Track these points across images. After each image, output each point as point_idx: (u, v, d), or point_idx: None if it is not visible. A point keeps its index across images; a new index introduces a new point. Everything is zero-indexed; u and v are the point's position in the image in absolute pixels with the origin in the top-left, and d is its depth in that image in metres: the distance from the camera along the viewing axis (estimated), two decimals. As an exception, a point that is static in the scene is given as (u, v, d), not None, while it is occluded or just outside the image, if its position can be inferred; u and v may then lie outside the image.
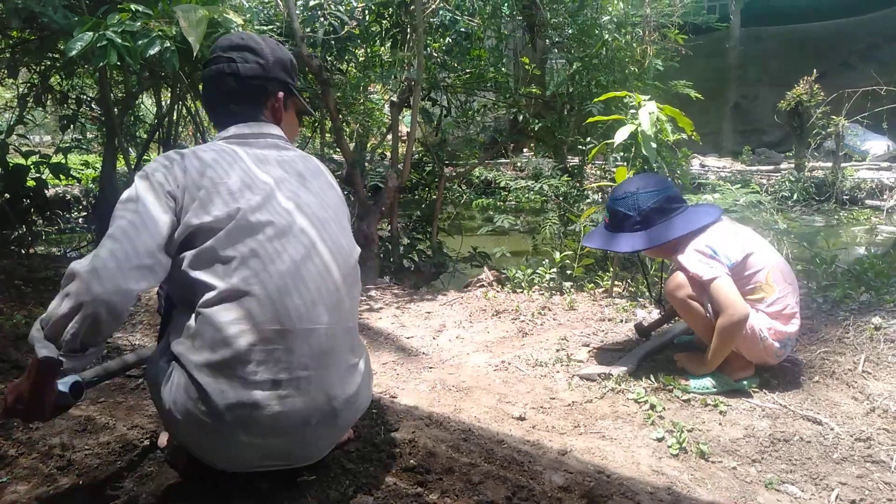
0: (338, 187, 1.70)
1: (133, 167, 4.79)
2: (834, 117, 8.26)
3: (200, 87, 1.73)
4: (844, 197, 8.57)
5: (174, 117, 5.22)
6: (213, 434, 1.40)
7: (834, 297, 3.10)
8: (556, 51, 5.43)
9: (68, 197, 7.77)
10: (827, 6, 12.19)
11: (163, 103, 5.35)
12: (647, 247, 2.33)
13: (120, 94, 5.14)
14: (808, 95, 9.06)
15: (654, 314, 3.05)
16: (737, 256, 2.23)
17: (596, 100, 3.90)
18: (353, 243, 1.62)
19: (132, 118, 5.78)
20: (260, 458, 1.46)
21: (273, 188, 1.50)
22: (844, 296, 3.07)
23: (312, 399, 1.44)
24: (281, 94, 1.67)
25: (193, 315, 1.41)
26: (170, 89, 4.85)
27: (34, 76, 4.52)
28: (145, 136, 5.68)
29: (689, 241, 2.27)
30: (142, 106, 6.49)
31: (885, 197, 8.40)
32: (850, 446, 1.91)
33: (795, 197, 8.40)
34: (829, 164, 9.19)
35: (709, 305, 2.21)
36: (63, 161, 4.60)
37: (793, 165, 9.87)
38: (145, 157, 5.72)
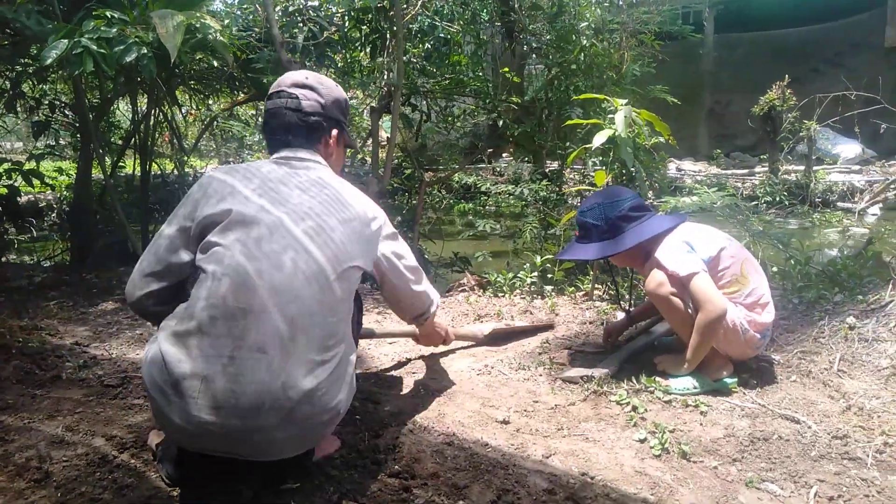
0: (370, 215, 1.78)
1: (108, 174, 4.71)
2: (806, 122, 8.43)
3: (262, 119, 1.94)
4: (817, 200, 8.73)
5: (151, 123, 5.15)
6: (172, 407, 1.45)
7: (809, 297, 3.16)
8: (534, 56, 5.47)
9: (41, 204, 7.63)
10: (797, 14, 12.44)
11: (139, 109, 5.28)
12: (617, 251, 2.37)
13: (95, 100, 5.07)
14: (781, 100, 9.24)
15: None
16: (712, 251, 2.30)
17: (574, 97, 3.94)
18: (355, 257, 1.67)
19: (107, 124, 5.69)
20: (216, 438, 1.47)
21: (284, 197, 1.63)
22: (819, 296, 3.13)
23: (266, 383, 1.45)
24: (335, 131, 1.86)
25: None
26: (146, 95, 4.79)
27: (5, 81, 4.45)
28: (120, 142, 5.59)
29: (663, 241, 2.33)
30: (117, 111, 6.40)
31: (856, 199, 8.58)
32: (828, 444, 1.94)
33: (770, 200, 8.55)
34: (802, 168, 9.37)
35: (689, 302, 2.25)
36: (36, 168, 4.52)
37: (766, 169, 10.04)
38: (120, 164, 5.64)
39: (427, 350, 2.75)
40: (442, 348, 2.70)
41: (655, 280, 2.28)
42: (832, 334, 2.68)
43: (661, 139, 3.24)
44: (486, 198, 7.31)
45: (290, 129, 1.79)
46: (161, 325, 1.56)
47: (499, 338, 2.91)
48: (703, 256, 2.28)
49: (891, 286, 2.79)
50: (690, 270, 2.22)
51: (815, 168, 9.23)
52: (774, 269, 3.69)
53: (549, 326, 3.10)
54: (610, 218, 2.39)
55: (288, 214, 1.59)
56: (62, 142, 6.31)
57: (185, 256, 1.62)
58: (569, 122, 3.50)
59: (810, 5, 12.29)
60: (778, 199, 8.47)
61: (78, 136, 4.90)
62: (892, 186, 7.69)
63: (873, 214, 8.12)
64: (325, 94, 1.82)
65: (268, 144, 1.86)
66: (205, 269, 1.52)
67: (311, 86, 1.82)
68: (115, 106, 5.83)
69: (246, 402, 1.44)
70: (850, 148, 10.93)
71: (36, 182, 4.41)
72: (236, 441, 1.48)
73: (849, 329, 2.65)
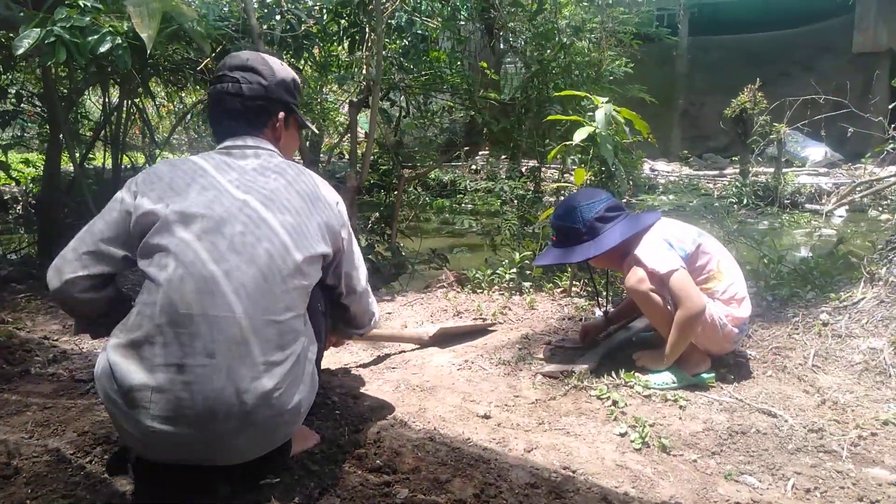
0: (324, 199, 1.68)
1: (79, 165, 4.59)
2: (776, 124, 8.58)
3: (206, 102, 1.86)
4: (786, 201, 8.89)
5: (122, 115, 5.04)
6: (126, 417, 1.41)
7: (782, 295, 3.21)
8: (512, 54, 5.48)
9: (6, 197, 7.42)
10: (768, 19, 12.67)
11: (110, 100, 5.16)
12: (600, 252, 2.36)
13: (64, 90, 4.94)
14: (752, 103, 9.39)
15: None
16: (690, 247, 2.33)
17: (556, 94, 3.94)
18: (306, 248, 1.56)
19: (77, 115, 5.55)
20: (174, 447, 1.43)
21: (225, 190, 1.54)
22: (792, 294, 3.19)
23: (218, 390, 1.39)
24: (282, 114, 1.76)
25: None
26: (118, 86, 4.69)
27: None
28: (90, 133, 5.45)
29: (641, 239, 2.34)
30: (87, 102, 6.25)
31: (823, 201, 8.76)
32: (804, 437, 1.97)
33: (737, 201, 8.69)
34: (772, 170, 9.54)
35: (669, 298, 2.27)
36: (3, 158, 4.39)
37: (738, 170, 10.20)
38: (90, 156, 5.51)
39: (409, 346, 2.73)
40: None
41: (636, 277, 2.30)
42: (806, 330, 2.73)
43: (639, 138, 3.27)
44: (462, 195, 7.31)
45: (232, 115, 1.69)
46: (111, 335, 1.48)
47: (444, 339, 2.83)
48: (681, 253, 2.31)
49: (862, 284, 2.85)
50: (670, 267, 2.23)
51: (784, 170, 9.41)
52: (748, 267, 3.74)
53: (491, 326, 3.05)
54: (588, 220, 2.39)
55: (236, 205, 1.51)
56: (28, 133, 6.15)
57: (120, 251, 1.54)
58: (550, 117, 3.50)
59: (781, 11, 12.53)
60: (746, 200, 8.61)
61: (46, 126, 4.77)
62: (858, 189, 7.87)
63: (840, 216, 8.29)
64: (269, 75, 1.72)
65: (213, 133, 1.76)
66: (149, 274, 1.44)
67: (252, 67, 1.71)
68: (87, 96, 5.69)
69: (199, 411, 1.38)
70: (817, 151, 11.15)
71: (0, 174, 4.29)
72: (194, 450, 1.44)
73: (822, 325, 2.70)
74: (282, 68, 1.78)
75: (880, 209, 7.82)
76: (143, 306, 1.43)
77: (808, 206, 8.83)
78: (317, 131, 1.85)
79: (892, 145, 6.24)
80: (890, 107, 6.73)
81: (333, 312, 1.87)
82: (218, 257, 1.45)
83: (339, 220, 1.70)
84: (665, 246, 2.30)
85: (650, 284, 2.27)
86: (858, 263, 2.99)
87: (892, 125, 6.37)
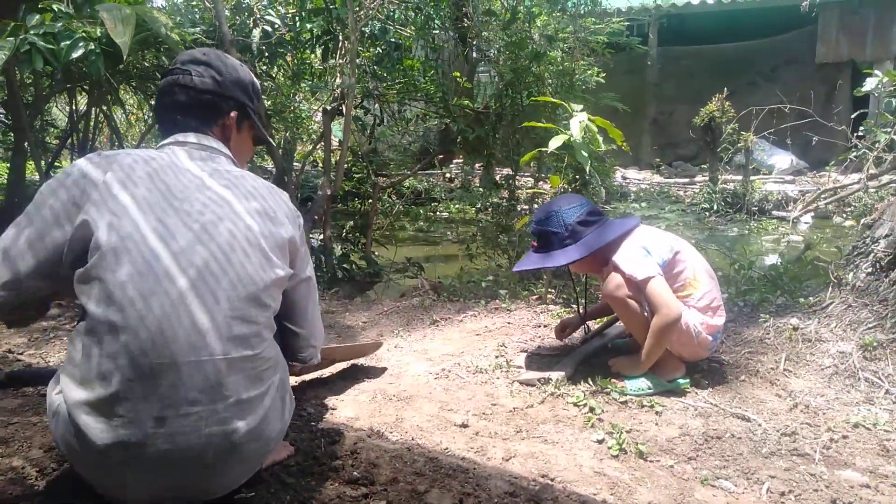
0: (282, 207, 1.56)
1: (44, 173, 4.49)
2: (743, 133, 8.75)
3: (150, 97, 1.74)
4: (754, 208, 9.07)
5: (90, 122, 4.95)
6: (99, 470, 1.34)
7: (753, 300, 3.26)
8: (485, 63, 5.50)
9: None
10: (735, 30, 12.94)
11: (77, 107, 5.06)
12: (583, 255, 2.37)
13: (29, 96, 4.83)
14: (720, 112, 9.57)
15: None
16: (667, 255, 2.35)
17: (531, 100, 3.96)
18: (270, 269, 1.45)
19: (43, 122, 5.43)
20: (155, 490, 1.36)
21: (180, 206, 1.39)
22: (762, 299, 3.24)
23: (205, 436, 1.32)
24: (234, 113, 1.64)
25: (80, 338, 1.33)
26: (86, 93, 4.60)
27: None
28: (57, 141, 5.34)
29: (620, 245, 2.36)
30: (54, 109, 6.12)
31: (790, 208, 8.95)
32: (777, 441, 2.00)
33: (713, 208, 8.83)
34: (740, 178, 9.72)
35: (645, 305, 2.28)
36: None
37: (707, 178, 10.38)
38: (57, 164, 5.39)
39: (384, 356, 2.71)
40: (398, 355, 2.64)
41: (613, 283, 2.31)
42: (777, 335, 2.77)
43: (613, 146, 3.30)
44: (437, 203, 7.31)
45: (179, 108, 1.57)
46: (63, 379, 1.34)
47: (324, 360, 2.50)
48: (659, 260, 2.32)
49: (830, 289, 2.91)
50: (647, 274, 2.25)
51: (751, 178, 9.59)
52: (720, 273, 3.80)
53: (376, 346, 2.76)
54: (569, 224, 2.40)
55: (193, 235, 1.37)
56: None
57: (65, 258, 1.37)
58: (526, 123, 3.52)
59: (746, 22, 12.81)
60: (715, 207, 8.76)
61: (10, 134, 4.65)
62: (823, 196, 8.07)
63: (805, 223, 8.48)
64: (223, 71, 1.62)
65: (158, 126, 1.65)
66: (98, 316, 1.29)
67: (207, 62, 1.61)
68: (54, 102, 5.57)
69: (189, 457, 1.32)
70: (783, 159, 11.40)
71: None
72: (179, 489, 1.38)
73: (793, 330, 2.74)
74: (241, 68, 1.69)
75: (844, 216, 8.02)
76: (101, 357, 1.28)
77: (775, 212, 9.00)
78: (273, 143, 1.75)
79: (854, 153, 6.42)
80: (852, 116, 6.95)
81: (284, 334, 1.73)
82: (185, 295, 1.33)
83: (294, 239, 1.57)
84: (643, 252, 2.32)
85: (627, 291, 2.29)
86: (826, 269, 3.05)
87: (855, 134, 6.56)
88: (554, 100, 3.29)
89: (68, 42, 2.65)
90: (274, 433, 1.49)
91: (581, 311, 2.83)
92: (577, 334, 2.90)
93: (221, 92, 1.61)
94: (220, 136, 1.62)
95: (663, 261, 2.33)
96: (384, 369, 2.61)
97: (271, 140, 1.93)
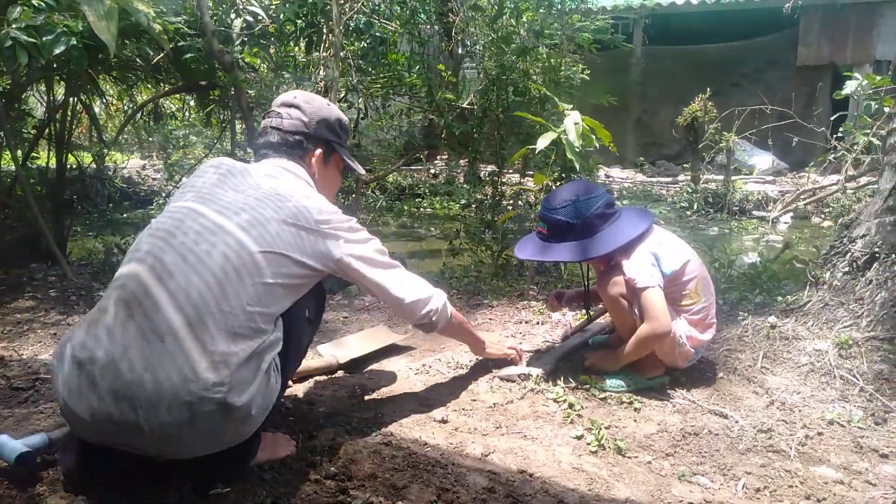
0: (314, 207, 1.70)
1: (20, 164, 4.39)
2: (725, 133, 8.83)
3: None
4: (735, 208, 9.15)
5: (68, 112, 4.84)
6: (74, 393, 1.42)
7: (732, 299, 3.29)
8: (470, 59, 5.50)
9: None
10: (718, 31, 13.04)
11: (55, 97, 4.96)
12: (598, 254, 2.27)
13: (5, 85, 4.73)
14: (703, 112, 9.65)
15: (569, 317, 3.13)
16: (676, 265, 2.27)
17: (517, 114, 3.96)
18: (290, 248, 1.62)
19: (18, 111, 5.31)
20: (118, 432, 1.41)
21: (218, 195, 1.64)
22: (741, 298, 3.27)
23: (165, 375, 1.39)
24: (319, 150, 1.87)
25: None
26: (64, 82, 4.51)
27: None
28: (33, 131, 5.22)
29: (636, 245, 2.27)
30: (31, 99, 5.99)
31: (769, 208, 9.05)
32: (754, 438, 2.02)
33: (687, 206, 8.91)
34: (721, 177, 9.81)
35: (636, 309, 2.27)
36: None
37: (689, 178, 10.46)
38: (34, 155, 5.28)
39: (362, 350, 2.69)
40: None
41: (611, 280, 2.29)
42: (755, 333, 2.80)
43: (598, 145, 3.30)
44: (421, 199, 7.29)
45: (271, 146, 1.82)
46: None
47: (354, 364, 2.56)
48: (666, 270, 2.25)
49: (807, 288, 2.94)
50: (646, 283, 2.19)
51: (732, 178, 9.68)
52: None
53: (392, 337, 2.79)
54: (586, 216, 2.26)
55: (217, 210, 1.60)
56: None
57: None
58: (517, 113, 3.51)
59: (730, 24, 12.92)
60: (697, 206, 8.84)
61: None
62: (802, 197, 8.16)
63: (785, 223, 8.57)
64: (310, 112, 1.85)
65: (256, 160, 1.87)
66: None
67: (296, 105, 1.86)
68: (29, 93, 5.46)
69: (145, 395, 1.38)
70: (763, 159, 11.52)
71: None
72: (138, 436, 1.40)
73: (770, 328, 2.77)
74: (325, 108, 1.90)
75: (822, 216, 8.13)
76: (109, 287, 1.53)
77: (755, 212, 9.09)
78: (363, 173, 1.84)
79: (833, 155, 6.50)
80: (832, 118, 7.02)
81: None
82: (181, 246, 1.53)
83: (318, 230, 1.70)
84: (651, 260, 2.24)
85: (622, 290, 2.27)
86: (803, 268, 3.08)
87: (834, 135, 6.64)
88: (537, 119, 3.28)
89: (50, 37, 2.58)
90: (236, 402, 1.44)
91: (587, 311, 2.79)
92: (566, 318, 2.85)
93: (307, 132, 1.85)
94: (307, 169, 1.84)
95: (671, 271, 2.25)
96: (364, 364, 2.59)
97: (360, 169, 2.05)
